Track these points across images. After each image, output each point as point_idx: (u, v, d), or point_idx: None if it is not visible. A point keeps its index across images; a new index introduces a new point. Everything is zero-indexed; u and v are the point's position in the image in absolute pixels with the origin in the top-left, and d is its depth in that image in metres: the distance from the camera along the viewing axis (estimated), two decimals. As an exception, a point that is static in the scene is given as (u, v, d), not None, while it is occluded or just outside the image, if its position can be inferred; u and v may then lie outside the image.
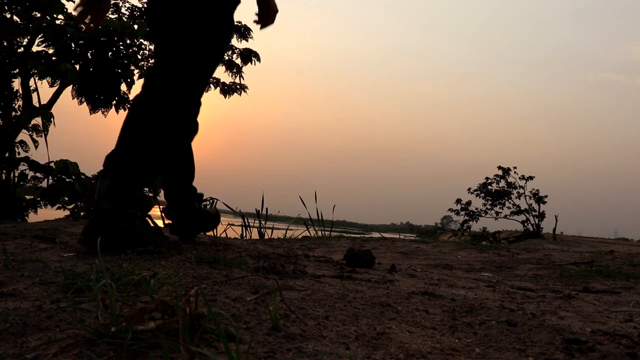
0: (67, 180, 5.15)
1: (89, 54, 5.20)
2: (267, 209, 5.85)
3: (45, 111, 5.25)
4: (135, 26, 5.37)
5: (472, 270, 2.66)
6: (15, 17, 5.26)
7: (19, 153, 5.42)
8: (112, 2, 6.21)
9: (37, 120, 5.54)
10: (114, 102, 5.68)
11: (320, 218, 6.12)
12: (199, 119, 1.92)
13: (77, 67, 5.16)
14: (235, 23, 6.62)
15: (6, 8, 5.17)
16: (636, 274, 2.38)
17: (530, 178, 13.12)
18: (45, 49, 5.25)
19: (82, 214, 5.17)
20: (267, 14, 1.94)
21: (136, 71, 5.87)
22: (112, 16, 6.06)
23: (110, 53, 5.21)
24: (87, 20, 1.75)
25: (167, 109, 1.63)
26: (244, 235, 5.76)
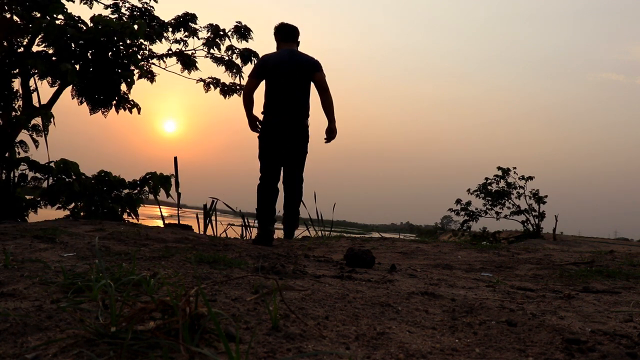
0: (67, 180, 5.16)
1: (89, 54, 5.20)
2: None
3: (45, 111, 5.26)
4: (135, 26, 5.38)
5: (472, 270, 2.66)
6: (15, 17, 5.27)
7: (19, 153, 5.43)
8: (112, 2, 6.22)
9: (37, 120, 5.55)
10: (114, 102, 5.69)
11: (320, 218, 6.14)
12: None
13: (77, 67, 5.16)
14: (235, 23, 6.61)
15: (6, 8, 5.17)
16: (636, 274, 2.38)
17: (530, 178, 13.13)
18: (45, 49, 5.25)
19: (81, 214, 5.17)
20: (331, 137, 3.61)
21: (136, 71, 5.88)
22: (112, 16, 6.06)
23: (110, 53, 5.21)
24: None
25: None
26: (244, 235, 5.77)
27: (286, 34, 3.60)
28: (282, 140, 3.36)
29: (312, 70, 3.39)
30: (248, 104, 3.53)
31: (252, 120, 3.53)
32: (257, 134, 3.49)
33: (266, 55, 3.54)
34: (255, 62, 6.39)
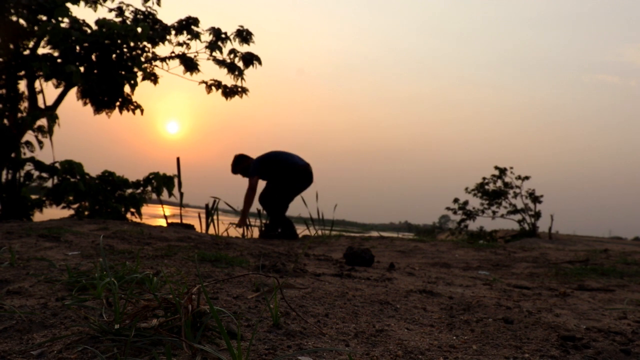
0: (72, 180, 5.19)
1: (93, 56, 5.22)
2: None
3: (51, 112, 5.29)
4: (139, 29, 5.40)
5: (470, 268, 2.67)
6: (21, 21, 5.31)
7: (24, 153, 5.46)
8: (116, 5, 6.26)
9: (43, 122, 5.57)
10: (118, 103, 5.71)
11: (320, 217, 6.15)
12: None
13: (82, 69, 5.19)
14: (237, 27, 6.63)
15: (12, 11, 5.22)
16: (630, 272, 2.39)
17: (526, 178, 13.10)
18: (50, 51, 5.29)
19: (86, 213, 5.21)
20: None
21: (139, 73, 5.90)
22: (116, 19, 6.09)
23: (114, 55, 5.24)
24: None
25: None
26: (245, 234, 5.79)
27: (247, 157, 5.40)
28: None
29: None
30: (252, 202, 5.13)
31: (246, 219, 5.19)
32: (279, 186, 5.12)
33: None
34: (257, 65, 6.61)
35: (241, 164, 5.36)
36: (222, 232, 5.44)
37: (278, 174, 5.13)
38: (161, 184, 5.43)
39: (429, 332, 1.14)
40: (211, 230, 5.43)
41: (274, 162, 5.15)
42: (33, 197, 5.34)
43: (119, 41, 5.09)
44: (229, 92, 6.58)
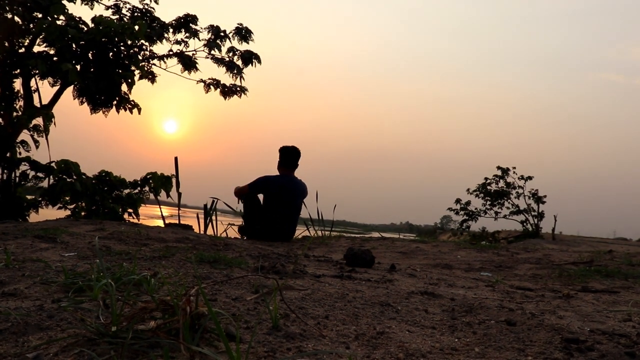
0: (68, 180, 5.16)
1: (90, 54, 5.20)
2: (267, 209, 5.86)
3: (46, 111, 5.26)
4: (136, 27, 5.38)
5: (472, 269, 2.67)
6: (16, 18, 5.27)
7: (20, 153, 5.43)
8: (113, 2, 6.22)
9: (38, 121, 5.54)
10: (115, 102, 5.69)
11: (320, 218, 6.13)
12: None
13: (78, 67, 5.16)
14: (236, 25, 6.61)
15: (7, 9, 5.18)
16: (635, 273, 2.38)
17: (529, 178, 13.10)
18: (46, 49, 5.26)
19: (82, 214, 5.17)
20: None
21: (137, 72, 5.88)
22: (113, 17, 6.06)
23: (111, 54, 5.21)
24: None
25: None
26: (244, 235, 5.77)
27: (292, 160, 4.83)
28: None
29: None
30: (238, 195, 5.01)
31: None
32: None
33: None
34: (256, 63, 6.41)
35: (281, 155, 4.94)
36: (221, 233, 5.42)
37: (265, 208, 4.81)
38: (159, 184, 5.40)
39: (430, 334, 1.13)
40: (210, 231, 5.41)
41: (269, 195, 4.78)
42: (29, 197, 5.30)
43: (116, 39, 5.06)
44: (228, 91, 6.56)
